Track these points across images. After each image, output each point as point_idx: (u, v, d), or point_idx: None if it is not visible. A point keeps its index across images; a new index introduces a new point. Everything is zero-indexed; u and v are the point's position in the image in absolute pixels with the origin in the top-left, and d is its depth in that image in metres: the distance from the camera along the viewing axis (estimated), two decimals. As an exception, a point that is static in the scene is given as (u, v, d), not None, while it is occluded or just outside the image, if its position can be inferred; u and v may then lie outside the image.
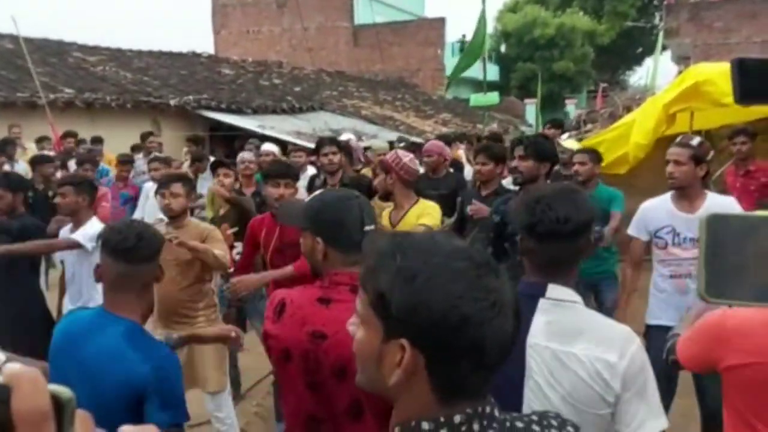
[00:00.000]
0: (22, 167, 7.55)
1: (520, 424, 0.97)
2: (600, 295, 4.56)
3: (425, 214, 3.60)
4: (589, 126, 8.41)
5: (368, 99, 20.23)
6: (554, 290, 1.57)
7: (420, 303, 0.89)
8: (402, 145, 7.71)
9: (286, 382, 1.84)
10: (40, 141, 8.84)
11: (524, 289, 1.58)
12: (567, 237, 1.57)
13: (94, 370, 1.91)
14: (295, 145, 11.16)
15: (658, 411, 1.52)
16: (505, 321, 0.91)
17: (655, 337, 3.23)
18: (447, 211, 4.32)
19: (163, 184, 3.74)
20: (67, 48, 14.86)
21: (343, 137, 8.65)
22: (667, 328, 3.30)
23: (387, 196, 3.74)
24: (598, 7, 34.01)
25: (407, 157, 3.66)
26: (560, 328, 1.54)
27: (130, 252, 1.97)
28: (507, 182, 5.34)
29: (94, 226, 3.74)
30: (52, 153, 8.10)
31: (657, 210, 3.43)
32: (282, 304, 1.81)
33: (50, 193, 6.19)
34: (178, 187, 3.58)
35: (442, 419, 0.91)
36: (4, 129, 9.06)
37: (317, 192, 2.16)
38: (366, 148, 7.36)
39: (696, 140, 3.45)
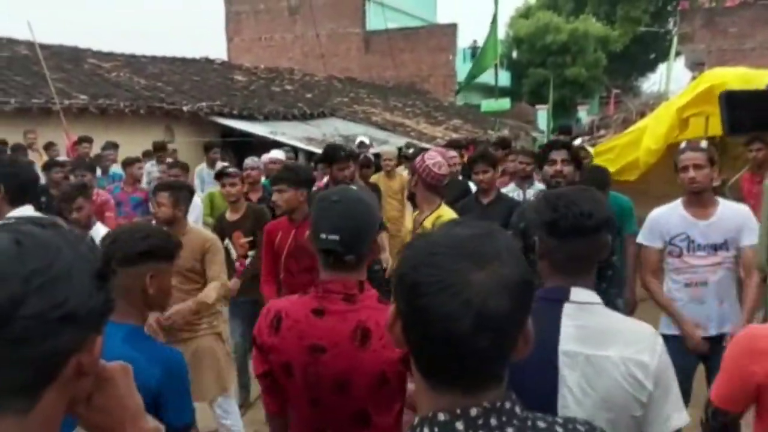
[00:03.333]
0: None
1: (542, 424, 0.95)
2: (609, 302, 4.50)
3: (438, 223, 3.55)
4: (602, 131, 8.37)
5: (379, 105, 20.25)
6: (578, 293, 1.55)
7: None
8: (411, 151, 7.71)
9: (290, 396, 1.80)
10: (48, 147, 8.91)
11: (546, 294, 1.55)
12: (590, 232, 1.56)
13: None
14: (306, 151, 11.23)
15: (680, 405, 1.52)
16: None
17: (669, 348, 3.22)
18: None
19: (153, 192, 3.76)
20: (81, 54, 15.00)
21: (359, 140, 8.67)
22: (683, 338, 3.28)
23: (412, 198, 3.73)
24: (611, 12, 33.90)
25: (431, 160, 3.54)
26: (591, 332, 1.51)
27: (105, 255, 1.95)
28: (508, 189, 5.31)
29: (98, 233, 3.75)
30: (65, 158, 8.17)
31: (670, 217, 3.35)
32: (278, 317, 1.77)
33: None
34: (163, 197, 3.58)
35: (458, 411, 0.90)
36: (19, 134, 9.15)
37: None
38: (376, 155, 7.37)
39: (704, 143, 3.42)
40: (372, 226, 1.79)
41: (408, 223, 3.74)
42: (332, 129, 14.44)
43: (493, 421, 0.90)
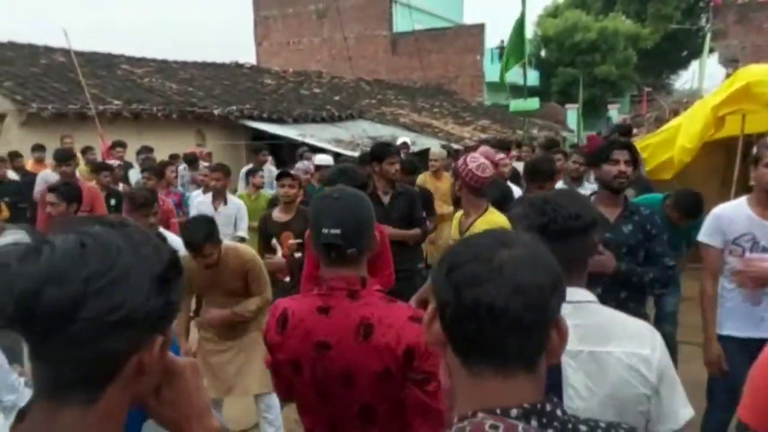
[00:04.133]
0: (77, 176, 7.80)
1: (583, 428, 0.96)
2: (659, 299, 4.43)
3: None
4: (635, 130, 8.25)
5: (406, 106, 20.26)
6: (573, 293, 1.51)
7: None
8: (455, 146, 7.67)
9: (301, 392, 1.85)
10: (85, 152, 9.12)
11: None
12: (579, 233, 1.58)
13: None
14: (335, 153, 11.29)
15: (685, 400, 1.53)
16: None
17: (726, 349, 3.16)
18: None
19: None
20: (115, 60, 15.31)
21: (401, 141, 8.66)
22: (739, 339, 3.20)
23: (457, 201, 3.64)
24: (641, 10, 33.42)
25: (475, 163, 3.43)
26: (590, 329, 1.51)
27: None
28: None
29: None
30: (116, 162, 8.35)
31: (735, 216, 3.20)
32: (285, 316, 1.82)
33: (112, 202, 6.39)
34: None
35: (498, 411, 0.90)
36: (56, 139, 9.38)
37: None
38: (414, 155, 7.37)
39: None
40: (371, 222, 1.84)
41: (453, 229, 3.68)
42: (360, 131, 14.50)
43: (534, 422, 0.90)
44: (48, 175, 6.95)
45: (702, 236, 3.32)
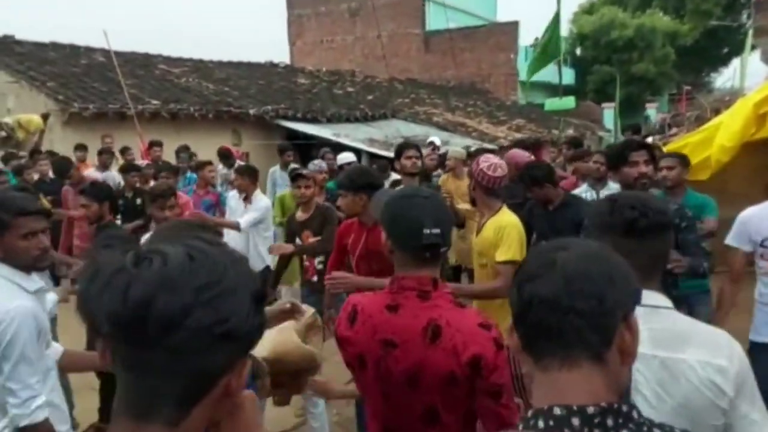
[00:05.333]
0: (112, 175, 8.00)
1: None
2: (692, 309, 4.35)
3: (503, 238, 3.32)
4: (674, 129, 8.08)
5: (440, 106, 20.19)
6: (649, 297, 1.48)
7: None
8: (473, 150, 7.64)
9: (365, 388, 1.87)
10: (123, 152, 9.31)
11: None
12: (665, 229, 1.56)
13: None
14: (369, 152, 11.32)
15: (767, 415, 1.44)
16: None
17: (762, 356, 3.08)
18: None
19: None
20: (153, 60, 15.59)
21: (429, 140, 8.67)
22: None
23: (473, 202, 3.68)
24: (679, 6, 32.69)
25: (486, 163, 3.47)
26: (664, 335, 1.46)
27: None
28: (580, 190, 5.20)
29: None
30: (143, 162, 8.54)
31: (763, 219, 3.17)
32: (355, 311, 1.83)
33: (138, 201, 6.54)
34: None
35: (575, 407, 0.91)
36: (97, 139, 9.62)
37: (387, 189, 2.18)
38: (441, 155, 7.36)
39: None
40: (453, 220, 1.89)
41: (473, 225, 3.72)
42: (394, 130, 14.51)
43: (609, 422, 0.90)
44: (92, 174, 7.13)
45: (729, 239, 3.32)
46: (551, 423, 0.91)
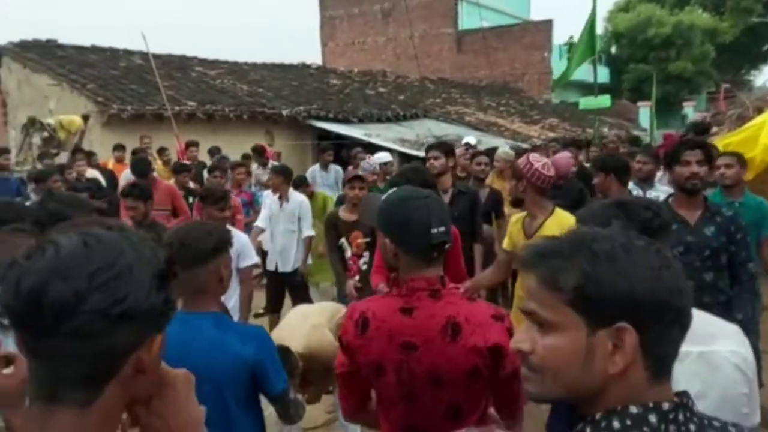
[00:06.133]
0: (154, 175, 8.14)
1: (717, 424, 0.97)
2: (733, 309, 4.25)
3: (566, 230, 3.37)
4: (715, 129, 7.88)
5: (472, 105, 20.10)
6: None
7: (630, 280, 0.91)
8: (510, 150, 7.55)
9: (382, 395, 1.84)
10: (161, 152, 9.47)
11: None
12: (670, 227, 1.66)
13: (208, 366, 1.97)
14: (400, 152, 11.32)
15: (757, 404, 1.51)
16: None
17: None
18: None
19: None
20: (189, 62, 15.85)
21: (465, 140, 8.62)
22: None
23: (518, 203, 3.52)
24: (719, 3, 31.94)
25: (539, 162, 3.36)
26: (693, 330, 1.48)
27: (176, 258, 2.01)
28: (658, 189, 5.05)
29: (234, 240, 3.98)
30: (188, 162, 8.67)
31: None
32: (365, 318, 1.80)
33: (189, 200, 6.64)
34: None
35: (650, 404, 0.92)
36: (135, 139, 9.82)
37: (390, 191, 2.14)
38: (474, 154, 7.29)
39: None
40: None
41: (514, 227, 3.58)
42: (425, 130, 14.48)
43: (681, 417, 0.92)
44: (130, 174, 7.28)
45: None
46: (628, 422, 0.91)
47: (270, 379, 2.05)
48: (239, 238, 4.12)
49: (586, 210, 1.75)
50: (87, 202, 2.43)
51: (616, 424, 0.91)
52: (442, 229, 1.73)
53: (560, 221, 3.32)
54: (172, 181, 6.87)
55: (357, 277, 4.49)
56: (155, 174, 6.95)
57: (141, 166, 6.60)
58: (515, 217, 3.66)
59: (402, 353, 1.74)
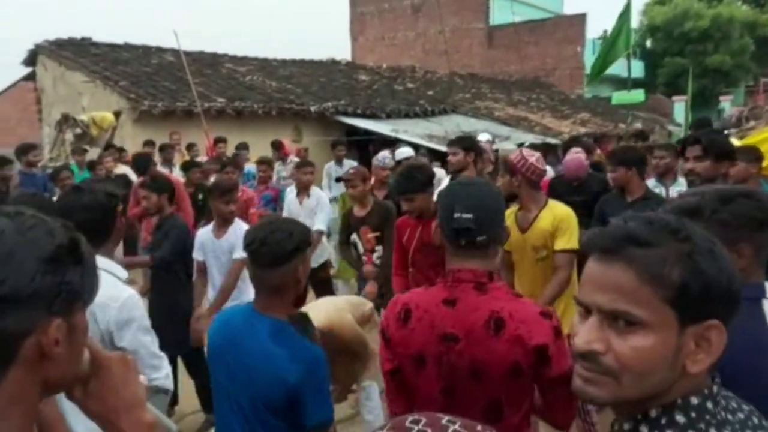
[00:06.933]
0: (178, 171, 8.25)
1: (745, 407, 0.96)
2: None
3: (562, 227, 3.37)
4: (752, 123, 7.65)
5: (502, 100, 19.90)
6: None
7: (728, 275, 0.87)
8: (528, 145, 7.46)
9: (420, 388, 1.81)
10: (189, 148, 9.58)
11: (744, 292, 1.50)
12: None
13: (247, 370, 1.97)
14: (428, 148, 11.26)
15: None
16: None
17: None
18: (586, 220, 4.01)
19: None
20: (219, 59, 16.00)
21: (480, 137, 8.56)
22: None
23: (512, 198, 3.51)
24: (760, -6, 31.06)
25: (533, 156, 3.42)
26: None
27: (254, 256, 1.98)
28: (649, 185, 4.98)
29: (237, 232, 4.00)
30: (205, 158, 8.77)
31: None
32: (407, 309, 1.79)
33: (200, 196, 6.72)
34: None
35: (706, 392, 0.90)
36: (165, 135, 9.95)
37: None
38: (495, 150, 7.23)
39: None
40: (502, 211, 1.84)
41: (511, 225, 3.56)
42: (454, 125, 14.38)
43: (720, 398, 0.91)
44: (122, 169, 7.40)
45: None
46: (693, 414, 0.88)
47: (307, 408, 1.93)
48: (243, 229, 4.13)
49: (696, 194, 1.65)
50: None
51: (680, 419, 0.88)
52: (467, 215, 1.70)
53: (554, 212, 3.40)
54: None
55: (375, 257, 4.49)
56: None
57: (142, 163, 6.80)
58: (508, 212, 3.63)
59: (443, 345, 1.72)
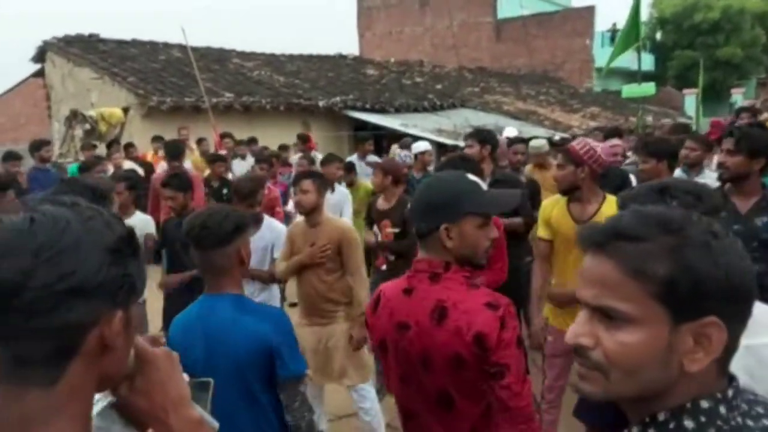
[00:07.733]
0: (187, 166, 8.21)
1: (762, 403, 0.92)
2: None
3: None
4: (765, 115, 7.55)
5: (510, 94, 19.80)
6: None
7: (726, 270, 0.82)
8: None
9: (388, 373, 1.90)
10: (199, 143, 9.56)
11: None
12: None
13: (224, 344, 2.06)
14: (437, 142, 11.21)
15: None
16: None
17: None
18: None
19: (294, 181, 3.86)
20: (227, 55, 16.00)
21: (506, 132, 8.45)
22: None
23: (571, 191, 3.28)
24: (771, -15, 30.69)
25: (599, 147, 3.21)
26: None
27: (197, 240, 2.09)
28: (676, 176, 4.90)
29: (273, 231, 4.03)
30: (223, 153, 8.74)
31: None
32: (378, 297, 1.88)
33: (224, 191, 6.67)
34: (308, 184, 3.62)
35: (718, 395, 0.85)
36: (173, 131, 9.94)
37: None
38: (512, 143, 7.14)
39: None
40: (448, 203, 1.72)
41: (564, 217, 3.39)
42: (463, 119, 14.31)
43: (739, 401, 0.87)
44: (166, 166, 7.34)
45: None
46: (703, 419, 0.84)
47: (285, 361, 2.06)
48: (275, 228, 4.11)
49: (630, 193, 1.66)
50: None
51: (689, 424, 0.84)
52: (413, 206, 1.83)
53: (615, 209, 3.09)
54: (207, 172, 6.92)
55: (384, 266, 4.45)
56: (190, 165, 6.99)
57: (174, 149, 6.71)
58: (549, 202, 3.48)
59: (398, 333, 1.78)
